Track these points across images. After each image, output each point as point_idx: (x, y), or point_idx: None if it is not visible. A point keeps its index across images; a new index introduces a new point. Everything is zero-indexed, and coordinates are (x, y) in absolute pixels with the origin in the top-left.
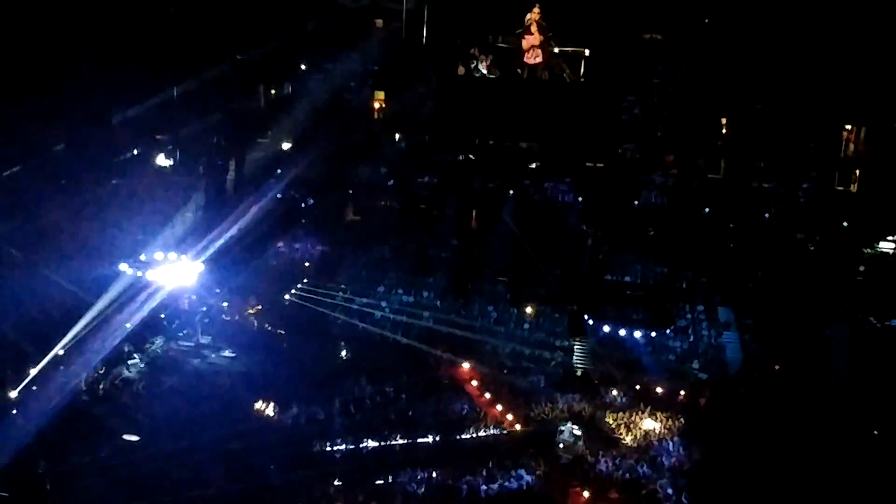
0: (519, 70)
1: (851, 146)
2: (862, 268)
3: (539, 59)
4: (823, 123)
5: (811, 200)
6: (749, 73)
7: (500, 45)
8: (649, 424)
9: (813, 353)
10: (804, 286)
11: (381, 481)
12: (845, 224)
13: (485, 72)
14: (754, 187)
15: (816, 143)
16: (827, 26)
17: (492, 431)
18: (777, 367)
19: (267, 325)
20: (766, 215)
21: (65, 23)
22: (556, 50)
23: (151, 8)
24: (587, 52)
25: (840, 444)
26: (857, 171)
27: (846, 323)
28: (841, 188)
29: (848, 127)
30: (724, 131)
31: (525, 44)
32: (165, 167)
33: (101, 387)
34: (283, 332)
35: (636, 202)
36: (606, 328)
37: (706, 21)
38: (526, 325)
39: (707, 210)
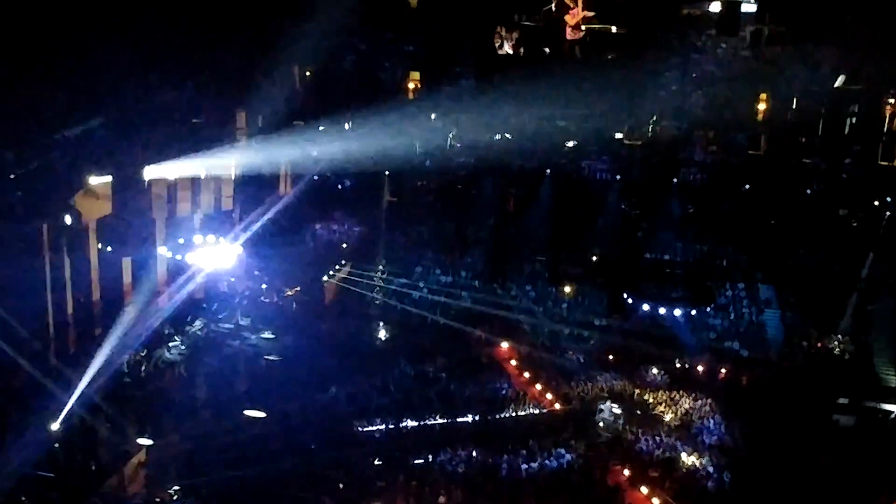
0: (546, 49)
1: (895, 120)
2: None
3: (581, 35)
4: (866, 97)
5: (854, 176)
6: (789, 48)
7: (526, 23)
8: (689, 403)
9: (856, 330)
10: (847, 263)
11: (421, 461)
12: (889, 199)
13: (510, 51)
14: (796, 163)
15: (859, 118)
16: None
17: (531, 410)
18: (819, 345)
19: (306, 307)
20: (808, 191)
21: (99, 7)
22: (584, 27)
23: None
24: (614, 28)
25: (883, 420)
26: None
27: (890, 299)
28: (884, 163)
29: (892, 101)
30: (764, 107)
31: (570, 19)
32: (203, 150)
33: (143, 369)
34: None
35: (675, 180)
36: (646, 306)
37: None
38: (564, 304)
39: (747, 187)
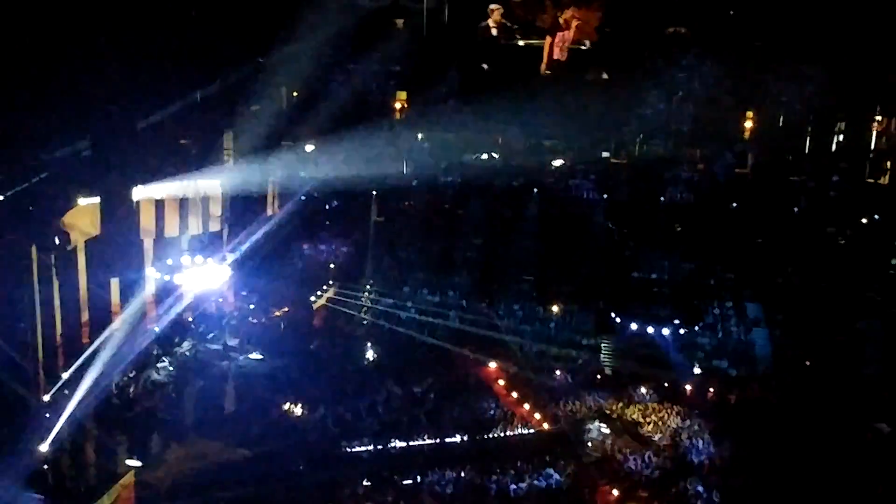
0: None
1: (882, 137)
2: (894, 261)
3: (564, 57)
4: (853, 114)
5: (841, 193)
6: (775, 65)
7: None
8: (678, 422)
9: (845, 349)
10: (835, 281)
11: (410, 481)
12: (877, 217)
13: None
14: (783, 181)
15: (846, 135)
16: (856, 14)
17: (520, 430)
18: (808, 364)
19: (294, 327)
20: (796, 209)
21: (86, 27)
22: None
23: (172, 11)
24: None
25: (873, 441)
26: (889, 163)
27: (879, 318)
28: (871, 180)
29: (879, 118)
30: (751, 125)
31: (559, 40)
32: (190, 171)
33: (131, 390)
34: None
35: (662, 198)
36: (634, 326)
37: (731, 13)
38: (552, 324)
39: (735, 205)
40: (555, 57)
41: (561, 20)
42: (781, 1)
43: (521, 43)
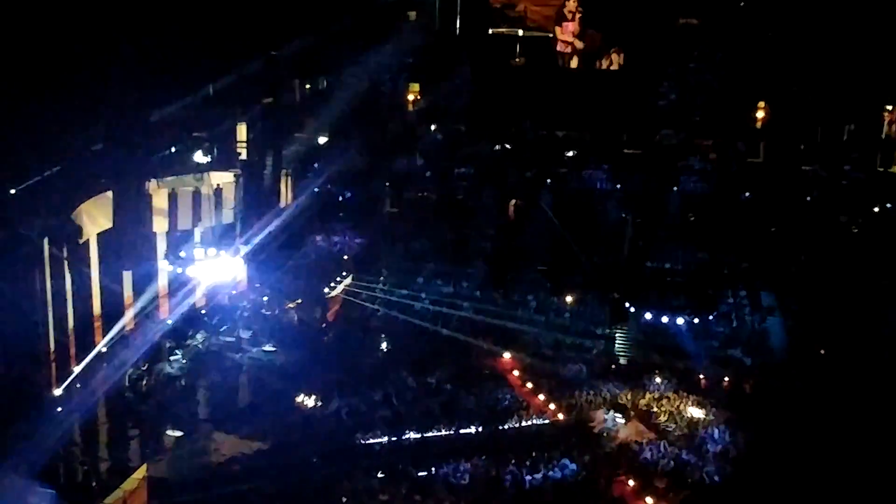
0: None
1: (893, 127)
2: None
3: (569, 49)
4: (864, 104)
5: (853, 182)
6: (787, 55)
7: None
8: (694, 412)
9: (859, 336)
10: (848, 269)
11: (424, 473)
12: (889, 205)
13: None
14: (795, 170)
15: (857, 125)
16: (867, 5)
17: (534, 421)
18: (822, 352)
19: (307, 319)
20: (808, 198)
21: (99, 20)
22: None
23: (186, 5)
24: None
25: (890, 430)
26: None
27: (892, 305)
28: (882, 169)
29: (889, 107)
30: (763, 114)
31: (562, 32)
32: (203, 164)
33: (143, 383)
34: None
35: (675, 188)
36: (648, 315)
37: (741, 3)
38: (566, 314)
39: (748, 194)
40: (561, 50)
41: (566, 11)
42: None
43: (530, 34)
